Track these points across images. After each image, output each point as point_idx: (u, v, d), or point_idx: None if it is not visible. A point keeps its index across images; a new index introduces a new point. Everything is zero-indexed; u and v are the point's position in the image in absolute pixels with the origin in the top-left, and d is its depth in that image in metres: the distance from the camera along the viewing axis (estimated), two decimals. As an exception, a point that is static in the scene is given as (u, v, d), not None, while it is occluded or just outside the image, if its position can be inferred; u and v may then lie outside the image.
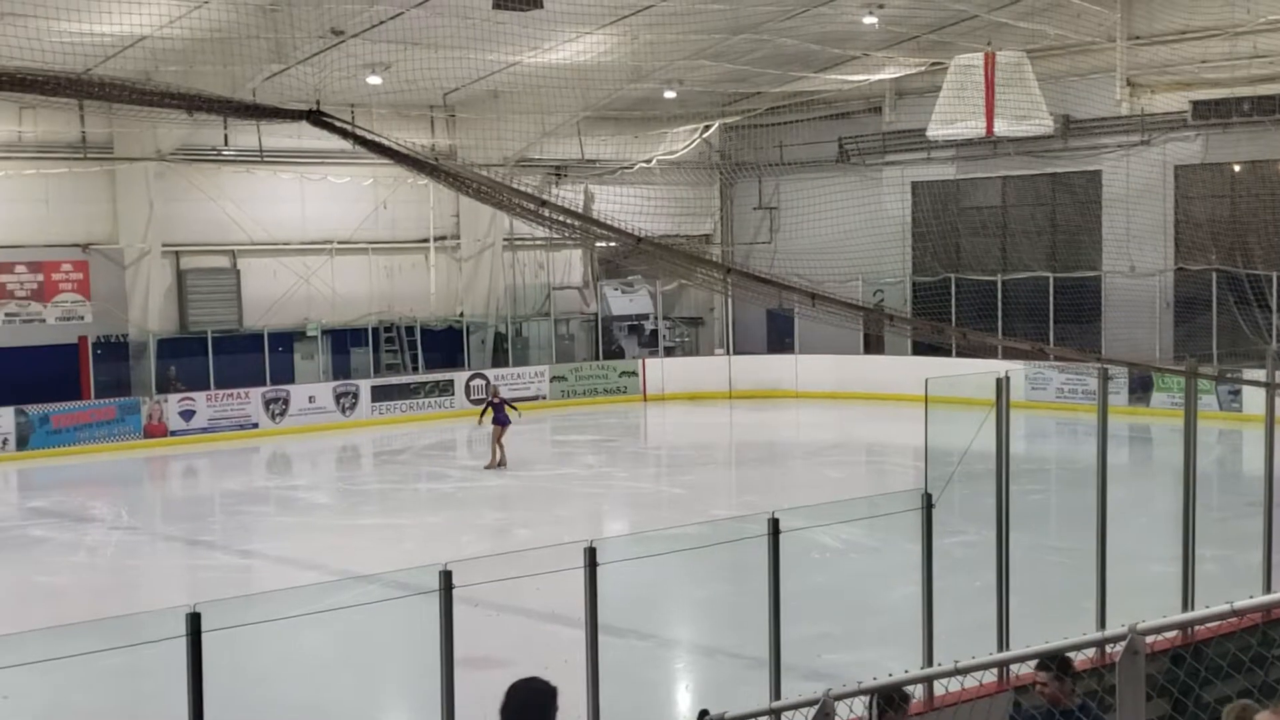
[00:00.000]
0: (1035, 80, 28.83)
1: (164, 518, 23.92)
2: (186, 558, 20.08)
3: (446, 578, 7.83)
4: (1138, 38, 31.98)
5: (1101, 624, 10.60)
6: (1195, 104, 31.40)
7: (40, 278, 29.99)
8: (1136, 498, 20.11)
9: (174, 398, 30.15)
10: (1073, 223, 34.66)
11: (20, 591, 17.68)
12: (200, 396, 30.44)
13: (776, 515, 9.24)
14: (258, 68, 26.76)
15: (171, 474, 28.35)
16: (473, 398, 33.83)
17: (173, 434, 29.82)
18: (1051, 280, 33.57)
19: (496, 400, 26.66)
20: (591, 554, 8.36)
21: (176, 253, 31.83)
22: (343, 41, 26.46)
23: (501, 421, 26.07)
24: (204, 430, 30.19)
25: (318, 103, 7.41)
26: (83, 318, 30.51)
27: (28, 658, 8.31)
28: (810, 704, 5.38)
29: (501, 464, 25.96)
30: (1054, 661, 7.35)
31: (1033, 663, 7.38)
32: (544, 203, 7.84)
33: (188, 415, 30.12)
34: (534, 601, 14.05)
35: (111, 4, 21.13)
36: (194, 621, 7.09)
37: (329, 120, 7.34)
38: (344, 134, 7.41)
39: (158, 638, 7.76)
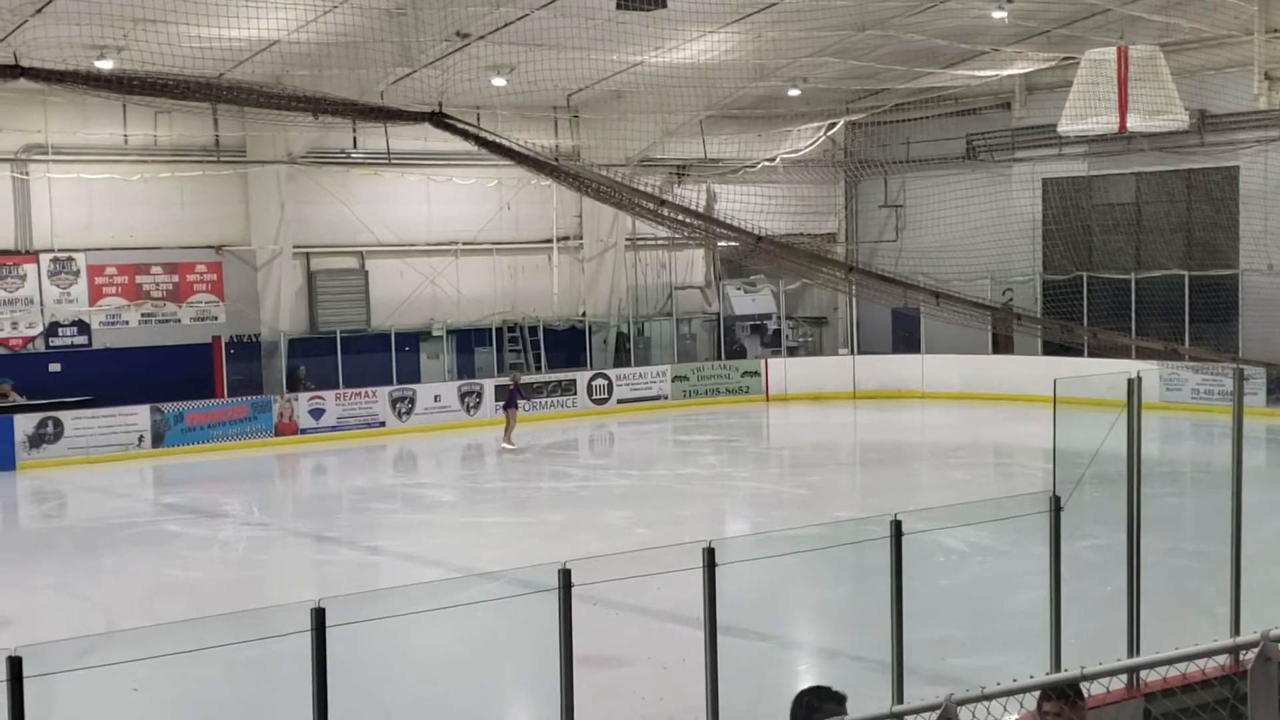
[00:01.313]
0: (1170, 74, 28.15)
1: (294, 514, 24.34)
2: (315, 553, 20.42)
3: (565, 576, 7.83)
4: (1275, 30, 31.08)
5: (1235, 630, 10.30)
6: (1337, 97, 30.50)
7: (175, 279, 30.73)
8: (1274, 501, 19.55)
9: (304, 396, 30.70)
10: (1208, 220, 33.80)
11: (154, 585, 18.09)
12: (329, 395, 30.95)
13: (899, 517, 9.12)
14: (385, 71, 27.13)
15: (301, 471, 28.86)
16: (594, 397, 34.01)
17: (303, 432, 30.37)
18: (1186, 279, 32.78)
19: (515, 385, 29.42)
20: (710, 554, 8.30)
21: (307, 254, 32.41)
22: (468, 44, 26.72)
23: (514, 405, 28.81)
24: (333, 428, 30.70)
25: (440, 105, 7.47)
26: (216, 318, 31.21)
27: (157, 651, 8.47)
28: (932, 708, 5.27)
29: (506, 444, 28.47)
30: (1055, 691, 7.16)
31: (1161, 669, 7.18)
32: (663, 202, 7.82)
33: (317, 414, 30.65)
34: (654, 601, 14.04)
35: (243, 9, 21.57)
36: (318, 617, 7.17)
37: (451, 122, 7.39)
38: (465, 135, 7.47)
39: (283, 632, 7.87)
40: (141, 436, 28.62)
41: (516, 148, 7.25)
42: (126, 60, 22.68)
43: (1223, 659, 7.11)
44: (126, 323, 30.14)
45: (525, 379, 31.81)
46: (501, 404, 29.80)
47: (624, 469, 28.00)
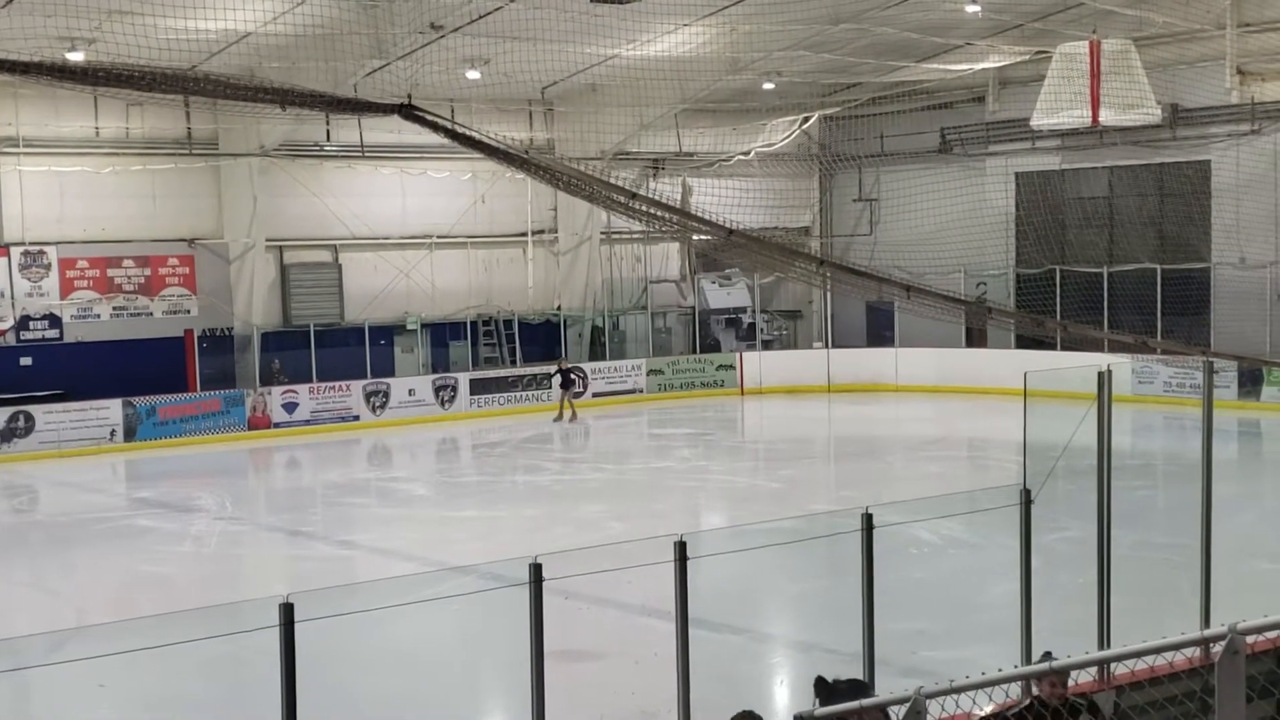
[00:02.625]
0: (1142, 68, 28.26)
1: (267, 508, 24.27)
2: (288, 548, 20.36)
3: (537, 570, 7.82)
4: (1248, 24, 31.23)
5: (1205, 623, 10.35)
6: (1308, 91, 30.64)
7: (147, 272, 30.57)
8: (1245, 493, 19.68)
9: (277, 390, 30.60)
10: (1180, 214, 33.93)
11: (126, 580, 18.02)
12: (303, 389, 30.86)
13: (871, 510, 9.14)
14: (358, 64, 27.04)
15: (275, 465, 28.77)
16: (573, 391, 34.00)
17: (276, 426, 30.26)
18: (1159, 272, 32.93)
19: (563, 369, 32.10)
20: (681, 548, 8.30)
21: (280, 247, 32.29)
22: (442, 37, 26.65)
23: (568, 385, 32.02)
24: (306, 422, 30.60)
25: (409, 97, 7.45)
26: (189, 311, 31.07)
27: (126, 646, 8.44)
28: (901, 702, 5.28)
29: (561, 417, 31.69)
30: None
31: (1130, 662, 7.22)
32: (634, 195, 7.81)
33: (291, 408, 30.55)
34: (627, 595, 14.03)
35: (216, 1, 21.47)
36: (287, 612, 7.14)
37: (421, 114, 7.36)
38: (435, 127, 7.44)
39: (253, 627, 7.84)
40: (113, 430, 28.48)
41: (486, 140, 7.23)
42: (98, 52, 22.56)
43: (1192, 652, 7.13)
44: (98, 316, 29.98)
45: (544, 368, 33.50)
46: (559, 388, 32.34)
47: (599, 463, 28.00)
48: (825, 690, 7.31)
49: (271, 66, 25.59)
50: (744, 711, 7.09)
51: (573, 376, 32.68)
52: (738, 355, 36.57)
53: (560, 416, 31.88)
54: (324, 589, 12.97)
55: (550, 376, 32.74)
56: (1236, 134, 31.98)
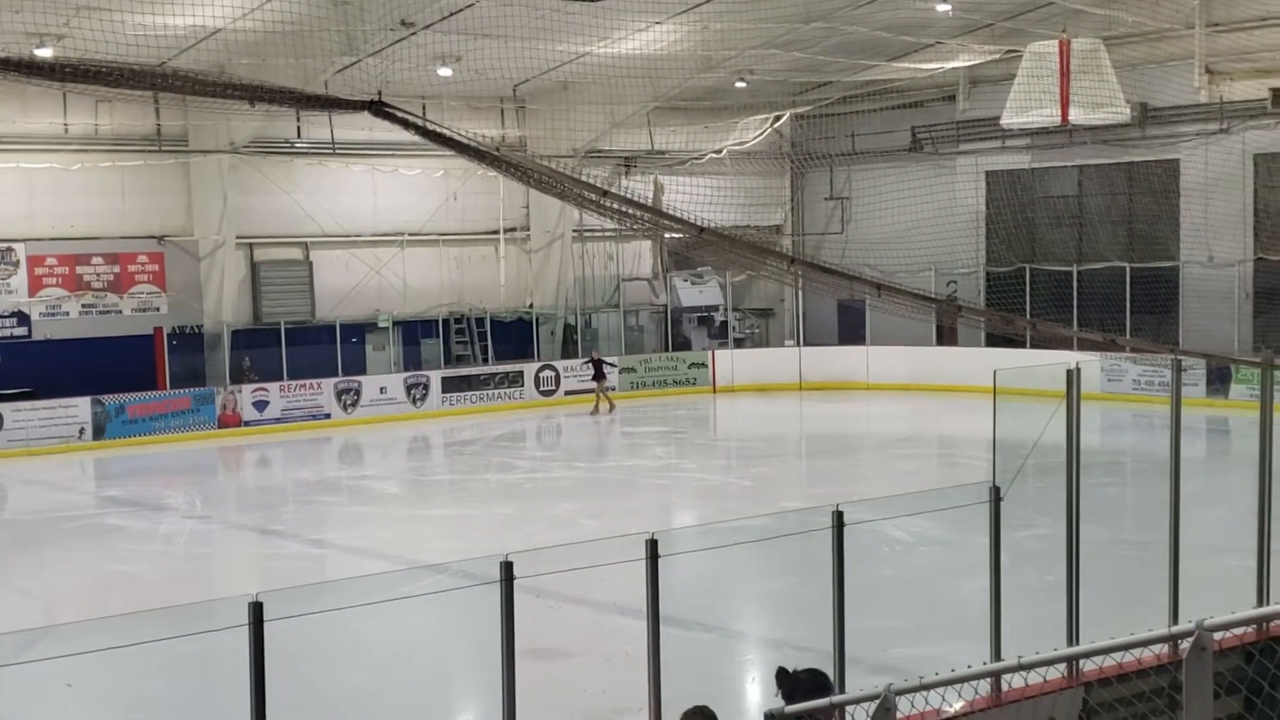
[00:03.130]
0: (1111, 68, 28.41)
1: (237, 507, 24.16)
2: (258, 547, 20.28)
3: (508, 568, 7.82)
4: (1216, 24, 31.42)
5: (1174, 619, 10.41)
6: (1275, 91, 30.81)
7: (117, 269, 30.39)
8: (1213, 491, 19.79)
9: (248, 388, 30.47)
10: (1150, 212, 34.13)
11: (95, 579, 17.92)
12: (274, 387, 30.74)
13: (841, 508, 9.15)
14: (329, 60, 26.93)
15: (245, 464, 28.66)
16: (542, 389, 33.98)
17: (246, 424, 30.14)
18: (1128, 270, 33.11)
19: (595, 360, 32.85)
20: (653, 546, 8.31)
21: (250, 244, 32.15)
22: (413, 34, 26.57)
23: (600, 376, 32.68)
24: (277, 420, 30.48)
25: (379, 93, 7.42)
26: (158, 309, 30.90)
27: (95, 646, 8.39)
28: (871, 699, 5.30)
29: (598, 410, 32.33)
30: None
31: (1099, 659, 7.28)
32: (606, 193, 7.80)
33: (261, 406, 30.43)
34: (599, 593, 14.03)
35: (185, -3, 21.37)
36: (256, 611, 7.11)
37: (391, 111, 7.34)
38: (406, 125, 7.42)
39: (222, 626, 7.80)
40: (82, 429, 28.32)
41: (458, 137, 7.21)
42: (67, 48, 22.41)
43: (1160, 648, 7.18)
44: (67, 314, 29.80)
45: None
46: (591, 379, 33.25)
47: (571, 461, 27.99)
48: (788, 680, 7.39)
49: (242, 63, 25.48)
50: (697, 707, 7.12)
51: (605, 368, 33.15)
52: (710, 353, 36.60)
53: (597, 409, 32.48)
54: (294, 588, 12.92)
55: (585, 365, 33.58)
56: (1205, 133, 32.17)
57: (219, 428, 29.81)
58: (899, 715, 5.28)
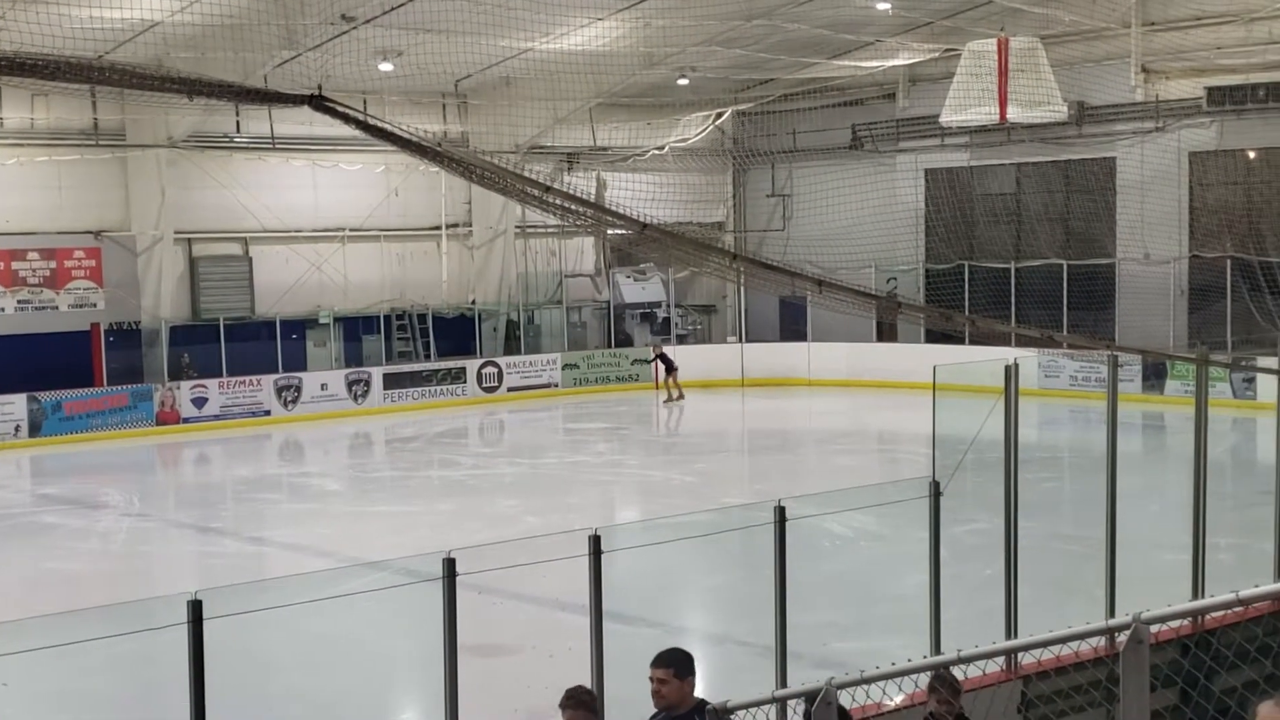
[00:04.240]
0: (1049, 66, 28.69)
1: (176, 504, 23.96)
2: (198, 544, 20.11)
3: (450, 565, 7.81)
4: (1152, 24, 31.80)
5: (1110, 613, 10.54)
6: (1210, 90, 31.22)
7: (53, 265, 30.03)
8: (1149, 485, 20.02)
9: (186, 385, 30.19)
10: (1086, 210, 34.50)
11: (32, 578, 17.71)
12: (213, 384, 30.47)
13: (783, 503, 9.21)
14: (269, 54, 26.73)
15: (184, 461, 28.40)
16: (484, 385, 33.89)
17: (185, 421, 29.86)
18: (1065, 267, 33.44)
19: (659, 352, 34.29)
20: (595, 541, 8.32)
21: (189, 240, 31.85)
22: (354, 28, 26.42)
23: (671, 368, 33.82)
24: (216, 417, 30.23)
25: (319, 88, 7.38)
26: (95, 305, 30.55)
27: (30, 645, 8.30)
28: (813, 692, 5.34)
29: (674, 399, 33.58)
30: (943, 684, 7.47)
31: (1037, 652, 7.36)
32: (549, 189, 7.80)
33: (200, 402, 30.16)
34: (542, 589, 14.02)
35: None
36: (195, 609, 7.07)
37: (331, 105, 7.30)
38: (347, 119, 7.38)
39: (162, 624, 7.75)
40: (18, 426, 27.95)
41: (399, 132, 7.19)
42: (2, 40, 22.06)
43: (1098, 641, 7.27)
44: (2, 310, 29.39)
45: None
46: (663, 369, 34.13)
47: (514, 457, 27.93)
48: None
49: (180, 56, 25.23)
50: (576, 687, 7.16)
51: (671, 359, 34.16)
52: (652, 349, 36.63)
53: (670, 398, 33.53)
54: (234, 585, 12.81)
55: (649, 362, 34.79)
56: (1141, 131, 32.54)
57: (157, 425, 29.52)
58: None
